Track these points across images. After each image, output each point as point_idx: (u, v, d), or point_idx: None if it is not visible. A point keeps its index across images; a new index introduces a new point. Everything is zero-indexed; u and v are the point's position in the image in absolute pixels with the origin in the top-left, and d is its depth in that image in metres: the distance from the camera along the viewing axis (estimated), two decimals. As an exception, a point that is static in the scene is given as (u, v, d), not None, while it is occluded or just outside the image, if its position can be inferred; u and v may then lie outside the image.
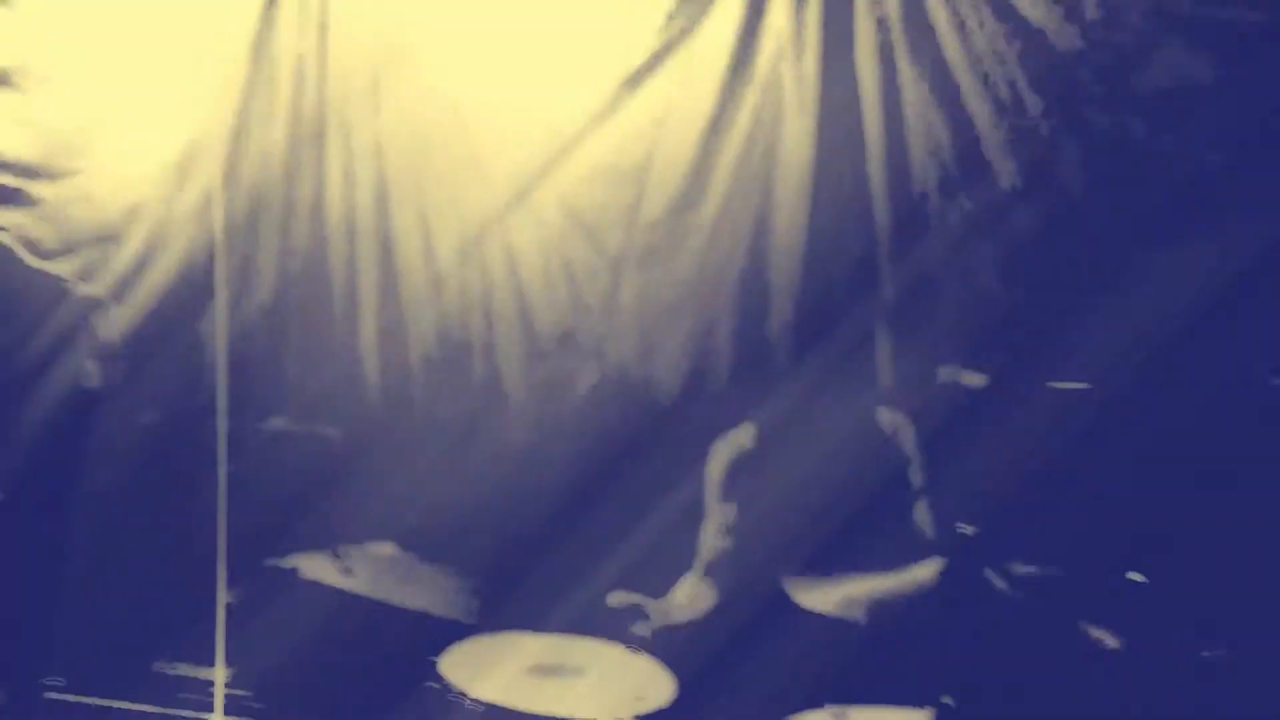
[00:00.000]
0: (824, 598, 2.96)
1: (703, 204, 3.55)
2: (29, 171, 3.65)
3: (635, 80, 3.54)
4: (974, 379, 3.31)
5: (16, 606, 3.39)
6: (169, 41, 3.58)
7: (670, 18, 3.53)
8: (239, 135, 3.61)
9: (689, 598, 3.24)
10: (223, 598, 3.20)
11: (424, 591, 3.18)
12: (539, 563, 3.36)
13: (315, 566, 3.22)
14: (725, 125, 3.52)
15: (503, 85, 3.54)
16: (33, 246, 3.66)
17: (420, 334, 3.64)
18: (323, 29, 3.58)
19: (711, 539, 3.28)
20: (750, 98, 3.51)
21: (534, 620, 3.20)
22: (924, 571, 2.96)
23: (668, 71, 3.53)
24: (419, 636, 3.13)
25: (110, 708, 3.30)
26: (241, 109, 3.60)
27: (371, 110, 3.59)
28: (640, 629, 3.12)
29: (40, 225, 3.66)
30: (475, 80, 3.56)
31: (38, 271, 3.60)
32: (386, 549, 3.19)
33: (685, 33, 3.53)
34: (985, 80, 3.42)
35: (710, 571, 3.26)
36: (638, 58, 3.53)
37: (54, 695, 3.26)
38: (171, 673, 3.34)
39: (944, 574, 2.93)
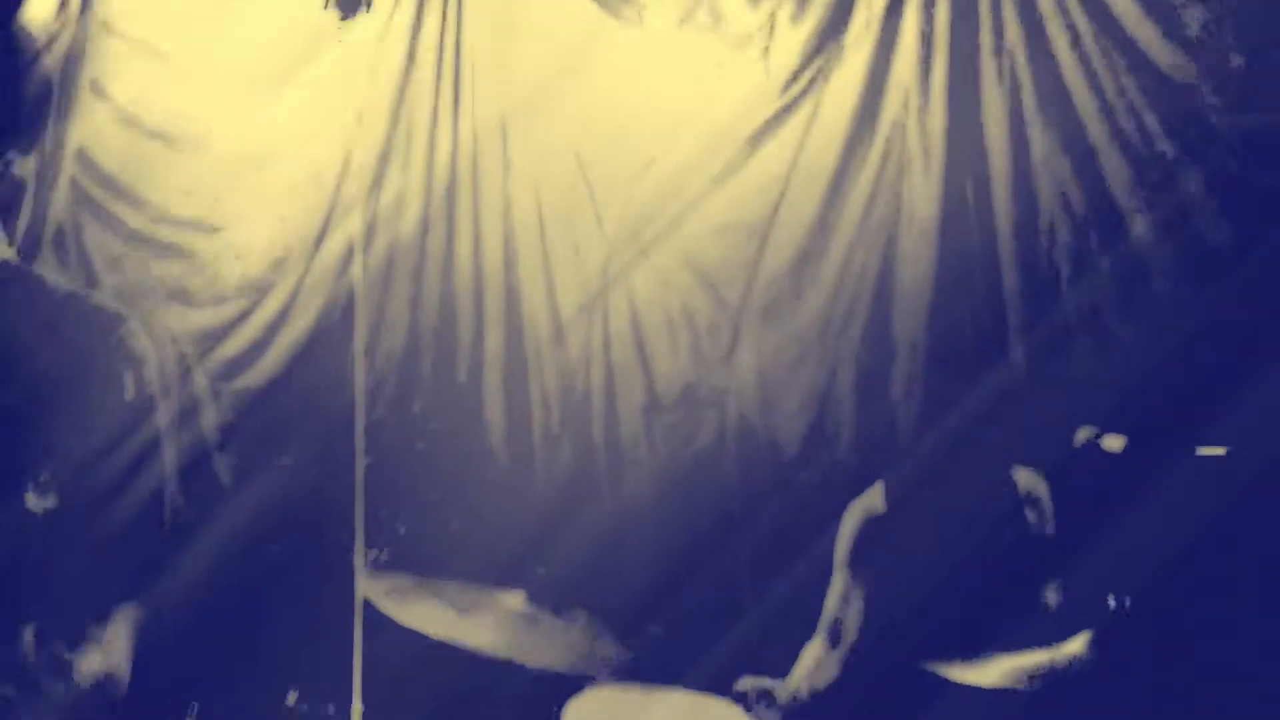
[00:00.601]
0: (978, 676, 2.81)
1: (825, 258, 3.47)
2: (186, 226, 3.79)
3: (759, 136, 3.51)
4: (1114, 442, 3.12)
5: (159, 642, 3.48)
6: (313, 102, 3.70)
7: (794, 74, 3.48)
8: (377, 191, 3.69)
9: (813, 668, 3.10)
10: (359, 638, 3.22)
11: (551, 644, 3.12)
12: (661, 618, 3.28)
13: (437, 614, 3.20)
14: (849, 180, 3.45)
15: (626, 141, 3.55)
16: (187, 297, 3.80)
17: (542, 384, 3.64)
18: (456, 88, 3.65)
19: (837, 605, 3.16)
20: (874, 152, 3.43)
21: (656, 676, 3.12)
22: (1074, 645, 2.78)
23: (791, 127, 3.48)
24: (544, 685, 3.08)
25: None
26: (380, 166, 3.68)
27: (500, 166, 3.63)
28: (768, 715, 3.01)
29: (194, 277, 3.80)
30: (599, 136, 3.57)
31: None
32: (516, 600, 3.16)
33: (809, 88, 3.48)
34: (1116, 129, 3.27)
35: (835, 638, 3.13)
36: (762, 114, 3.50)
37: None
38: (307, 711, 3.37)
39: (1093, 645, 2.75)
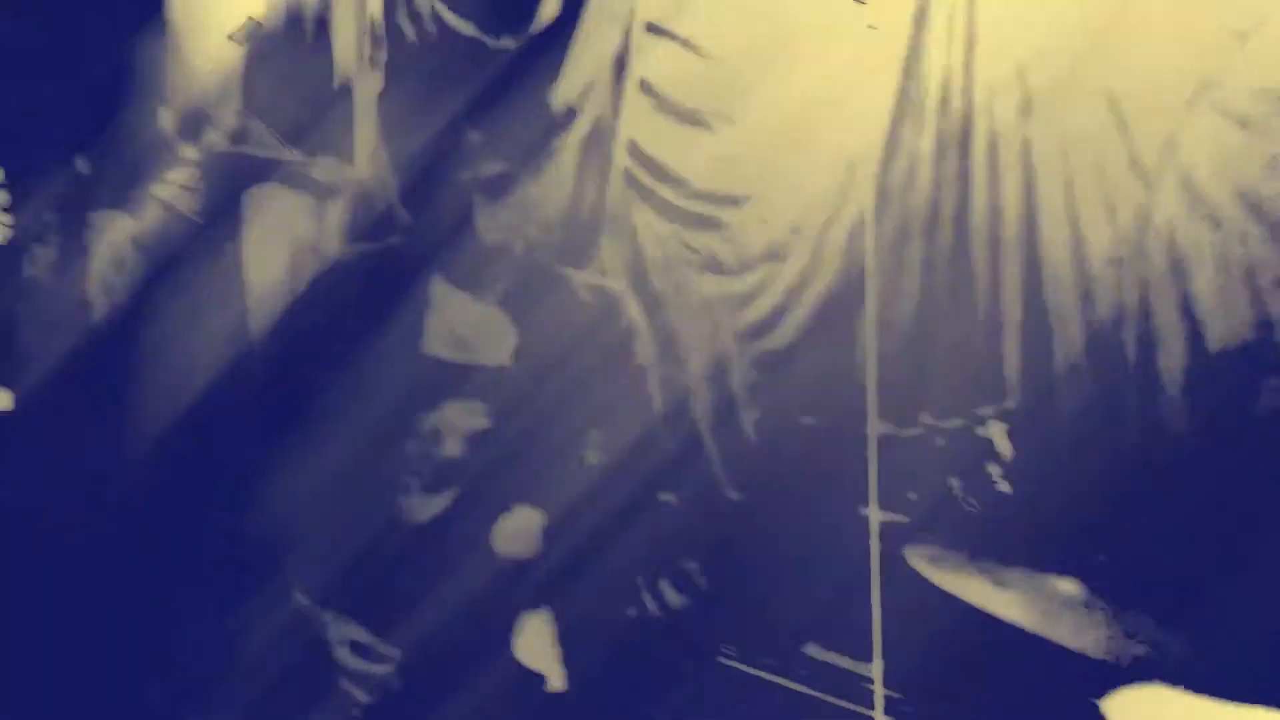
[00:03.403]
0: None
1: None
2: (717, 199, 3.90)
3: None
4: None
5: (710, 584, 3.65)
6: (827, 74, 3.60)
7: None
8: (890, 152, 3.51)
9: None
10: (877, 598, 3.12)
11: (1099, 633, 2.76)
12: (1223, 619, 2.77)
13: (971, 586, 2.97)
14: None
15: (1168, 65, 3.02)
16: (717, 265, 3.91)
17: (1067, 343, 3.25)
18: (970, 41, 3.35)
19: None
20: None
21: (1216, 682, 2.64)
22: None
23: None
24: (1083, 670, 2.76)
25: (767, 681, 3.40)
26: (893, 126, 3.49)
27: (1019, 113, 3.28)
28: None
29: (724, 247, 3.90)
30: (1134, 65, 3.07)
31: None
32: (1069, 585, 2.85)
33: None
34: None
35: None
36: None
37: (726, 661, 3.44)
38: (828, 661, 3.35)
39: None
